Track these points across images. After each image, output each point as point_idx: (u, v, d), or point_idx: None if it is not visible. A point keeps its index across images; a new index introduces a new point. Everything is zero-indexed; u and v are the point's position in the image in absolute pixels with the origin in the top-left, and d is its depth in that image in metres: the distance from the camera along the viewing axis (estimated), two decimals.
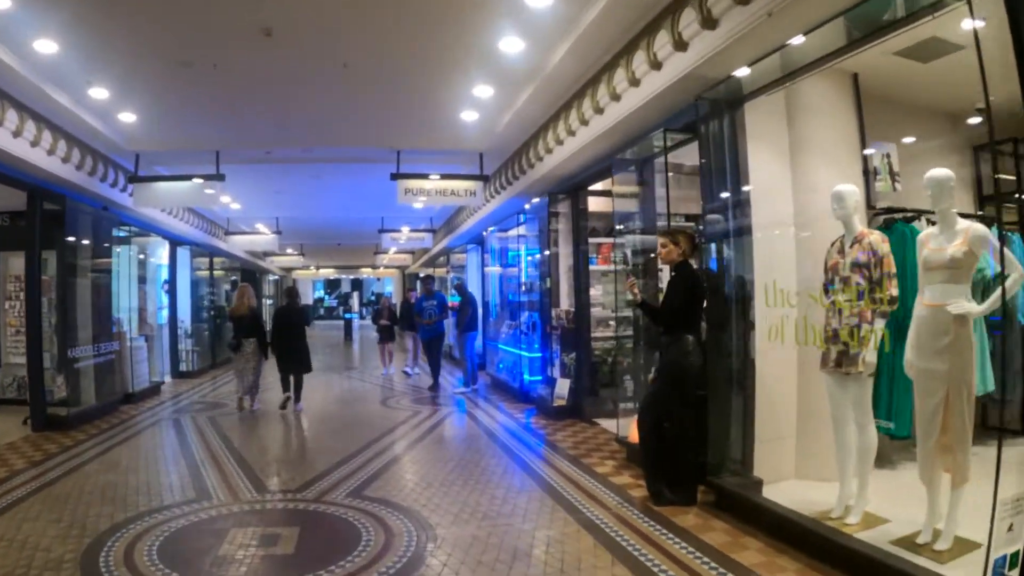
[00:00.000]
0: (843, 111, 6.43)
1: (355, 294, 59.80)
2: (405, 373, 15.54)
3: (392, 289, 54.22)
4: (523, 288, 13.20)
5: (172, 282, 16.81)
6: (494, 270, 16.22)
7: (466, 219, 16.29)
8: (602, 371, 10.45)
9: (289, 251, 27.04)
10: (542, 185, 10.80)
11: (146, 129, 9.73)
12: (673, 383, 6.00)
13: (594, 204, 10.80)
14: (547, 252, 11.66)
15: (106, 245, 11.98)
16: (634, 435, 7.61)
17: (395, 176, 10.71)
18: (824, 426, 5.28)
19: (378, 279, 57.88)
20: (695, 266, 6.37)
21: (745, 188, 6.19)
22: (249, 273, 27.90)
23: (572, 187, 10.52)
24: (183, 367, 16.89)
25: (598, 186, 10.36)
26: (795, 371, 6.13)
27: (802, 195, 6.29)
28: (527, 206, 12.02)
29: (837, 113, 6.42)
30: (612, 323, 11.18)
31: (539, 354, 12.06)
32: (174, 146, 10.41)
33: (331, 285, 59.22)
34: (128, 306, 13.67)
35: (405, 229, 18.82)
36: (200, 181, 10.67)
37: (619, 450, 8.08)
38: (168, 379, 16.01)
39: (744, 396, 6.08)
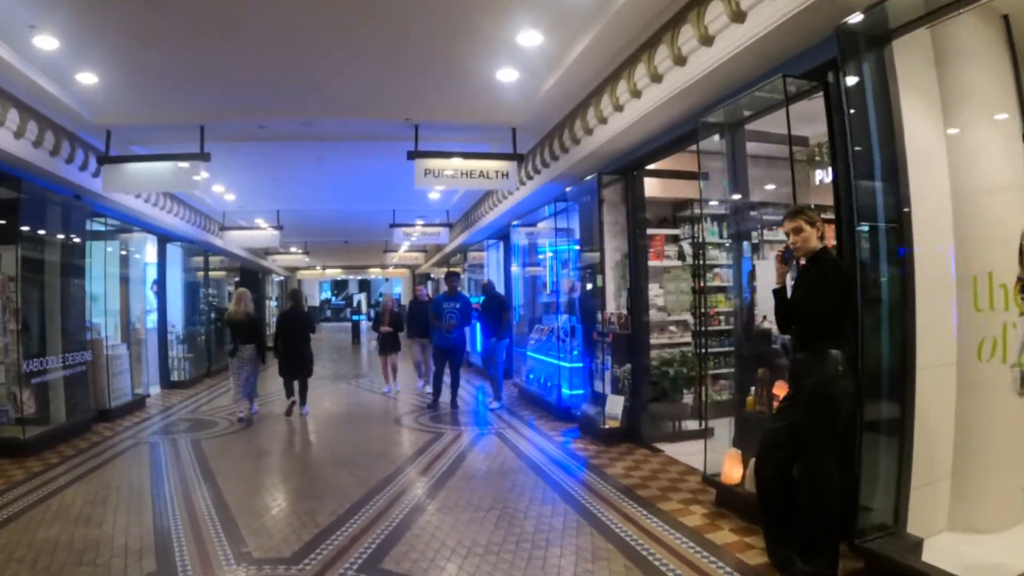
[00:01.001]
0: (998, 57, 4.85)
1: (363, 295, 58.51)
2: (420, 388, 13.35)
3: (401, 290, 52.72)
4: (562, 288, 11.57)
5: (161, 282, 15.19)
6: (525, 270, 14.57)
7: (489, 211, 14.62)
8: (662, 386, 8.78)
9: (293, 249, 25.41)
10: (589, 165, 9.15)
11: (113, 96, 8.09)
12: (817, 416, 4.31)
13: (647, 188, 9.19)
14: (591, 245, 10.00)
15: (78, 240, 10.38)
16: (730, 474, 5.97)
17: (413, 155, 9.06)
18: (985, 463, 4.45)
19: (387, 280, 56.47)
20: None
21: (900, 151, 4.57)
22: (251, 273, 26.29)
23: (626, 167, 8.85)
24: (174, 376, 15.28)
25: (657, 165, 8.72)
26: (953, 395, 4.63)
27: (960, 159, 4.70)
28: (568, 189, 10.26)
29: (993, 60, 4.84)
30: (673, 328, 9.53)
31: (580, 364, 10.43)
32: (150, 118, 8.76)
33: (338, 286, 57.91)
34: (107, 309, 12.07)
35: (419, 224, 17.15)
36: (185, 165, 9.02)
37: (701, 489, 6.45)
38: (156, 390, 14.44)
39: (900, 430, 4.53)
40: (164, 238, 15.01)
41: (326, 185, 14.04)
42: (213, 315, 19.97)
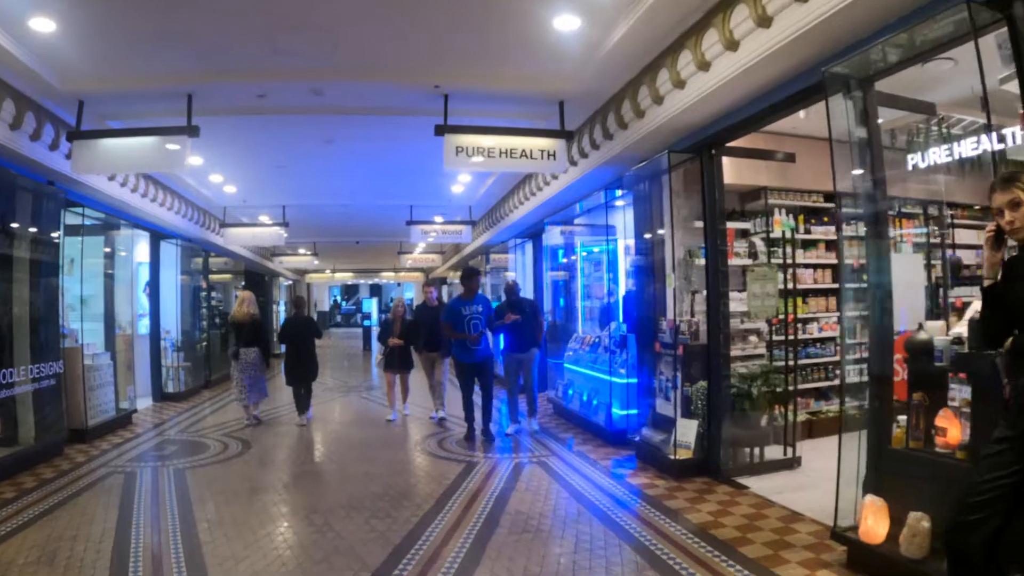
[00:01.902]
0: None
1: (374, 300, 57.17)
2: (434, 420, 10.69)
3: (413, 295, 51.24)
4: (610, 291, 10.14)
5: (154, 284, 13.79)
6: (559, 273, 13.11)
7: (519, 205, 13.15)
8: (743, 407, 7.29)
9: (301, 251, 24.00)
10: (653, 143, 7.72)
11: (79, 52, 6.67)
12: None
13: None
14: (650, 241, 8.57)
15: (53, 235, 9.01)
16: (873, 531, 4.52)
17: (443, 129, 7.60)
18: None
19: (398, 284, 55.08)
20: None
21: None
22: (256, 276, 24.96)
23: (701, 144, 7.37)
24: (169, 387, 13.86)
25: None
26: None
27: None
28: (631, 170, 8.73)
29: None
30: (753, 338, 8.06)
31: (633, 380, 8.95)
32: (126, 82, 7.32)
33: (348, 291, 56.63)
34: (88, 313, 10.71)
35: (438, 221, 15.68)
36: (174, 147, 7.58)
37: (819, 543, 5.07)
38: (148, 403, 13.04)
39: None
40: (157, 235, 13.61)
41: (336, 174, 12.59)
42: (217, 320, 18.69)
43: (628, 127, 7.87)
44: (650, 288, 8.61)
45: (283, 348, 11.92)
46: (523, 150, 7.77)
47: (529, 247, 15.22)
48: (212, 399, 14.26)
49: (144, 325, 13.87)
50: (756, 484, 6.78)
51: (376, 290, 57.17)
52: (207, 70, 7.10)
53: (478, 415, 9.39)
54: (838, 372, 9.00)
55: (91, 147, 7.69)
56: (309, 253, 23.44)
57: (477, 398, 9.36)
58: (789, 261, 8.19)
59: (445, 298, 18.47)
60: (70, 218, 10.17)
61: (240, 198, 14.26)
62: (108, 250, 11.56)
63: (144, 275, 13.89)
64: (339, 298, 56.39)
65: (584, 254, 12.37)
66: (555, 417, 11.04)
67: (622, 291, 10.48)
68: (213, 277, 19.64)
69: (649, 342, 8.42)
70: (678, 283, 8.15)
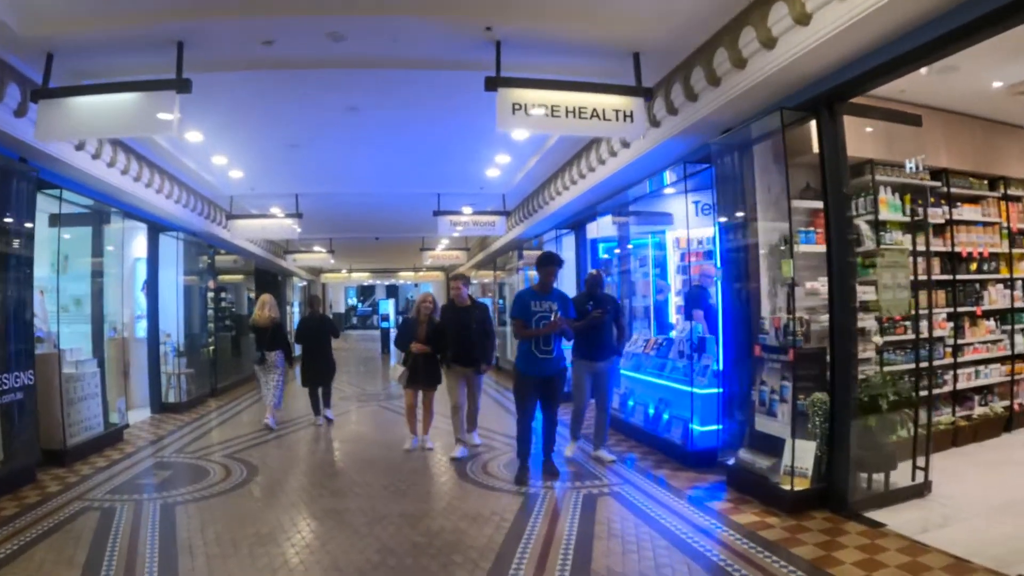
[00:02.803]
0: None
1: (390, 301, 55.79)
2: (456, 458, 8.14)
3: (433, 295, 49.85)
4: (682, 284, 8.77)
5: (152, 282, 12.43)
6: (612, 266, 11.61)
7: (563, 190, 11.71)
8: (871, 424, 5.85)
9: (316, 248, 22.62)
10: (757, 98, 6.38)
11: None
12: None
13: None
14: (743, 222, 7.13)
15: (26, 224, 7.67)
16: None
17: (496, 82, 6.15)
18: None
19: (416, 284, 53.62)
20: None
21: None
22: (268, 275, 23.59)
23: (816, 100, 5.93)
24: (170, 397, 12.49)
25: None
26: None
27: None
28: (720, 136, 7.26)
29: None
30: (877, 338, 6.61)
31: (718, 390, 7.55)
32: (103, 26, 5.92)
33: (364, 292, 55.28)
34: (68, 314, 9.40)
35: (467, 211, 14.22)
36: (166, 116, 6.16)
37: None
38: (145, 415, 11.74)
39: None
40: (156, 227, 12.25)
41: (358, 156, 11.16)
42: (228, 323, 17.35)
43: (721, 83, 6.44)
44: (743, 281, 7.17)
45: (296, 349, 11.63)
46: (594, 109, 6.32)
47: (570, 240, 13.76)
48: (219, 409, 12.92)
49: (143, 328, 12.54)
50: (891, 519, 5.41)
51: (392, 291, 55.83)
52: (198, 6, 5.68)
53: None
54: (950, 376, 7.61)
55: (59, 108, 6.29)
56: (325, 251, 22.03)
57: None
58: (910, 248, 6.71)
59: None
60: (55, 206, 8.89)
61: (248, 185, 12.86)
62: (101, 244, 10.16)
63: (142, 272, 12.58)
64: (355, 299, 55.08)
65: (644, 243, 10.89)
66: (612, 431, 9.57)
67: (684, 285, 9.03)
68: (224, 278, 18.32)
69: (741, 345, 6.99)
70: (769, 274, 6.79)
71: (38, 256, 8.20)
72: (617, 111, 6.40)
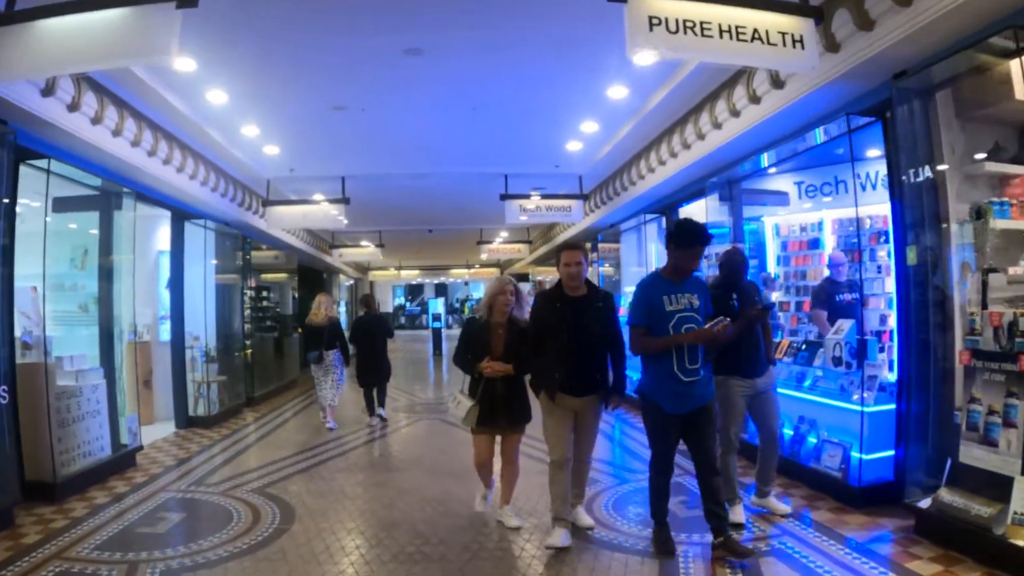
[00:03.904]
0: None
1: (439, 300, 54.41)
2: (555, 547, 5.17)
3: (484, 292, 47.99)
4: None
5: (177, 277, 10.95)
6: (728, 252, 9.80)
7: (662, 164, 9.96)
8: None
9: (364, 243, 21.10)
10: (968, 17, 4.57)
11: None
12: None
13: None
14: (913, 191, 5.44)
15: (5, 200, 6.22)
16: None
17: None
18: None
19: (466, 283, 52.12)
20: None
21: None
22: (312, 273, 22.21)
23: None
24: (197, 409, 11.01)
25: None
26: None
27: None
28: (898, 76, 5.48)
29: None
30: None
31: (888, 406, 6.03)
32: None
33: (412, 291, 54.02)
34: (65, 314, 8.01)
35: (535, 195, 12.50)
36: (158, 32, 4.56)
37: None
38: (167, 431, 10.31)
39: None
40: (180, 214, 10.76)
41: (417, 121, 9.47)
42: (269, 323, 15.95)
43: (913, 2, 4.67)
44: (925, 269, 5.46)
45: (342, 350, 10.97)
46: (755, 29, 4.57)
47: (653, 228, 11.98)
48: (255, 422, 11.42)
49: (168, 330, 11.11)
50: None
51: (441, 289, 54.54)
52: None
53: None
54: None
55: (23, 36, 4.74)
56: (373, 245, 20.49)
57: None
58: None
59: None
60: (62, 187, 7.47)
61: (286, 164, 11.31)
62: (111, 231, 8.66)
63: (167, 267, 11.15)
64: (403, 298, 53.82)
65: (755, 228, 9.11)
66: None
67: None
68: (267, 276, 16.92)
69: (927, 348, 5.26)
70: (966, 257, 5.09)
71: (33, 246, 6.83)
72: (783, 34, 4.66)
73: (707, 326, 4.79)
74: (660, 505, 5.11)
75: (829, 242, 8.52)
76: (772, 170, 8.75)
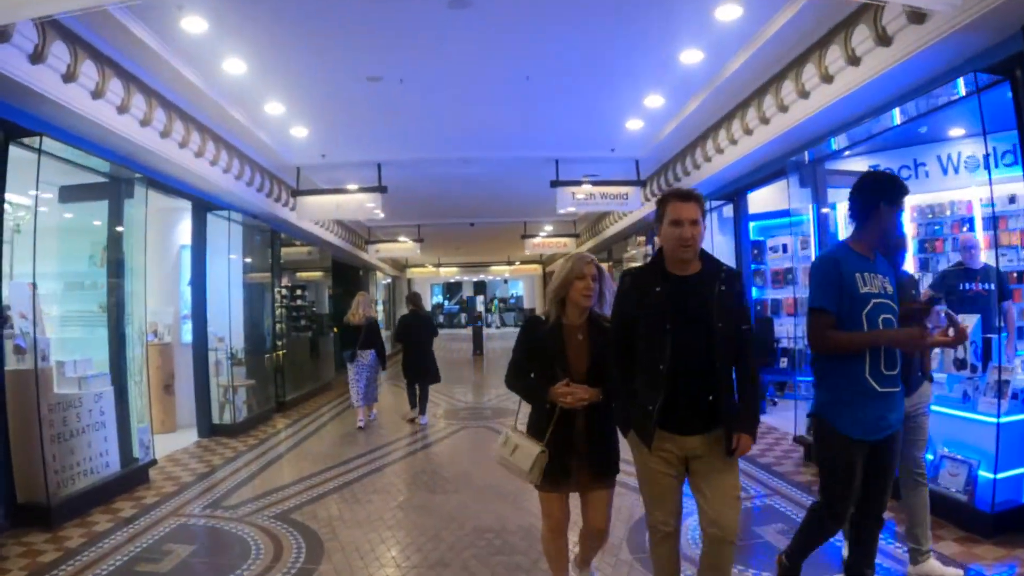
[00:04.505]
0: None
1: (479, 298, 53.61)
2: None
3: (522, 292, 47.01)
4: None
5: (199, 272, 10.16)
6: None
7: (731, 144, 8.92)
8: None
9: (401, 238, 20.24)
10: None
11: None
12: None
13: None
14: None
15: None
16: None
17: None
18: None
19: (505, 281, 51.13)
20: None
21: None
22: (347, 270, 21.44)
23: None
24: (223, 416, 10.21)
25: None
26: None
27: None
28: None
29: None
30: None
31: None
32: None
33: (450, 289, 53.24)
34: (70, 314, 7.27)
35: (585, 182, 11.47)
36: None
37: None
38: (191, 441, 9.61)
39: None
40: (201, 204, 9.96)
41: (462, 94, 8.58)
42: (303, 322, 15.19)
43: None
44: None
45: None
46: None
47: (715, 217, 10.92)
48: (285, 430, 10.64)
49: (190, 331, 10.34)
50: None
51: (480, 287, 53.70)
52: None
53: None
54: None
55: None
56: (411, 239, 19.61)
57: None
58: None
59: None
60: (70, 175, 6.74)
61: (316, 149, 10.44)
62: (120, 221, 7.86)
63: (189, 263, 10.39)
64: (441, 296, 53.12)
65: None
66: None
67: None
68: (301, 275, 16.17)
69: None
70: None
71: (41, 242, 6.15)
72: None
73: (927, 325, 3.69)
74: (804, 551, 3.84)
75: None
76: (847, 153, 7.76)
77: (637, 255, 15.73)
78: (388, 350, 11.06)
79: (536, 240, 19.46)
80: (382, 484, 7.28)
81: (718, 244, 11.00)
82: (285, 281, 14.43)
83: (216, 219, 10.34)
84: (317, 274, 17.72)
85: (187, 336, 10.41)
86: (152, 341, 10.14)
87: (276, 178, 11.55)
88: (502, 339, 33.34)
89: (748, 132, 8.46)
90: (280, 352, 13.07)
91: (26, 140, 5.97)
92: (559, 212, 12.17)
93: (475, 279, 50.10)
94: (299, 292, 15.50)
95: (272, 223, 12.26)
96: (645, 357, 3.40)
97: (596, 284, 3.76)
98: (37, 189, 5.96)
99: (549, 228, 20.20)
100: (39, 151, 5.95)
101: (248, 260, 11.46)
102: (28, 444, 5.86)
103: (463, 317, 47.90)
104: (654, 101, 8.70)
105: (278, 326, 13.22)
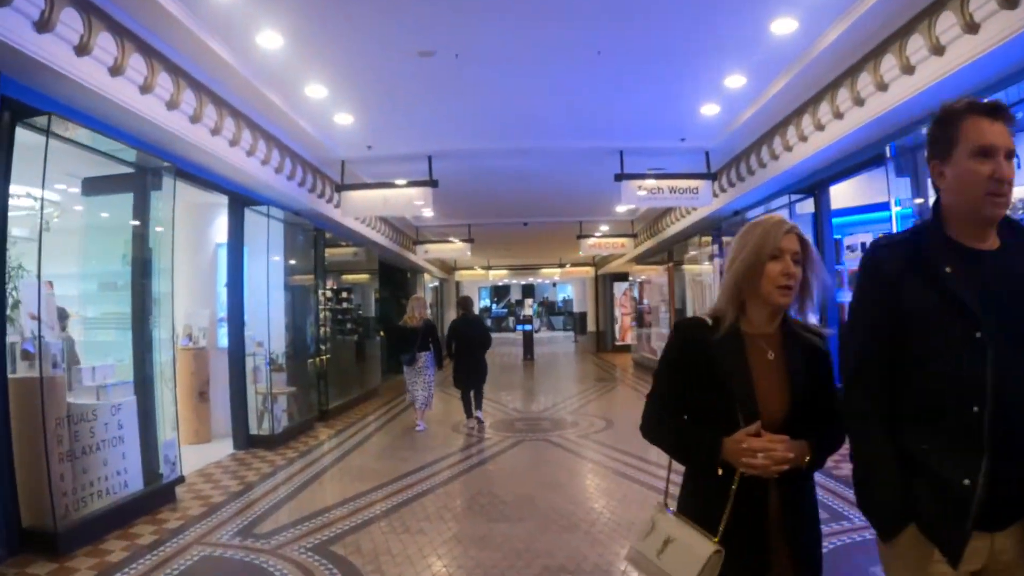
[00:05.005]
0: None
1: (527, 301, 52.90)
2: None
3: (571, 294, 45.77)
4: None
5: (235, 272, 9.52)
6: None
7: (820, 127, 7.97)
8: None
9: (451, 239, 19.49)
10: None
11: None
12: None
13: None
14: None
15: None
16: None
17: None
18: None
19: (553, 284, 50.24)
20: None
21: None
22: (395, 272, 20.85)
23: None
24: (260, 427, 9.57)
25: None
26: None
27: None
28: None
29: None
30: None
31: None
32: None
33: (498, 292, 52.64)
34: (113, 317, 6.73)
35: (651, 179, 10.56)
36: None
37: None
38: (226, 454, 8.98)
39: None
40: (238, 199, 9.32)
41: (522, 79, 7.76)
42: (350, 325, 14.57)
43: None
44: None
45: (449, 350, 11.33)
46: None
47: (786, 215, 9.97)
48: (329, 441, 9.97)
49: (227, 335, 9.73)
50: None
51: (528, 291, 53.01)
52: None
53: None
54: None
55: None
56: (461, 240, 18.86)
57: None
58: None
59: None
60: (94, 165, 6.16)
61: (362, 138, 9.73)
62: (146, 214, 7.21)
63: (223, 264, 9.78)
64: (489, 300, 52.56)
65: None
66: None
67: None
68: (347, 277, 15.54)
69: None
70: None
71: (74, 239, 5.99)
72: None
73: None
74: None
75: None
76: None
77: (701, 256, 14.71)
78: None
79: (591, 241, 18.60)
80: (435, 509, 6.50)
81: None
82: (331, 283, 13.81)
83: (255, 215, 9.69)
84: (364, 277, 17.09)
85: (224, 340, 9.79)
86: (186, 345, 9.58)
87: (319, 172, 10.89)
88: (550, 344, 32.56)
89: (838, 116, 7.52)
90: (324, 357, 12.43)
91: (36, 122, 5.34)
92: (619, 210, 11.33)
93: (523, 282, 49.39)
94: (344, 295, 14.89)
95: (315, 220, 11.60)
96: (933, 388, 2.00)
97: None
98: (44, 175, 5.28)
99: (605, 228, 19.32)
100: (47, 132, 5.29)
101: (290, 260, 10.83)
102: (35, 461, 5.22)
103: (510, 320, 47.27)
104: (735, 81, 7.79)
105: (322, 330, 12.58)
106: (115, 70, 5.64)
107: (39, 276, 5.46)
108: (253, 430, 9.48)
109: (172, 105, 6.53)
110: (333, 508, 6.50)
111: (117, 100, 5.77)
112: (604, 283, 29.31)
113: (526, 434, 10.20)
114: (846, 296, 10.15)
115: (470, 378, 10.92)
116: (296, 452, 9.12)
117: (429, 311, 12.62)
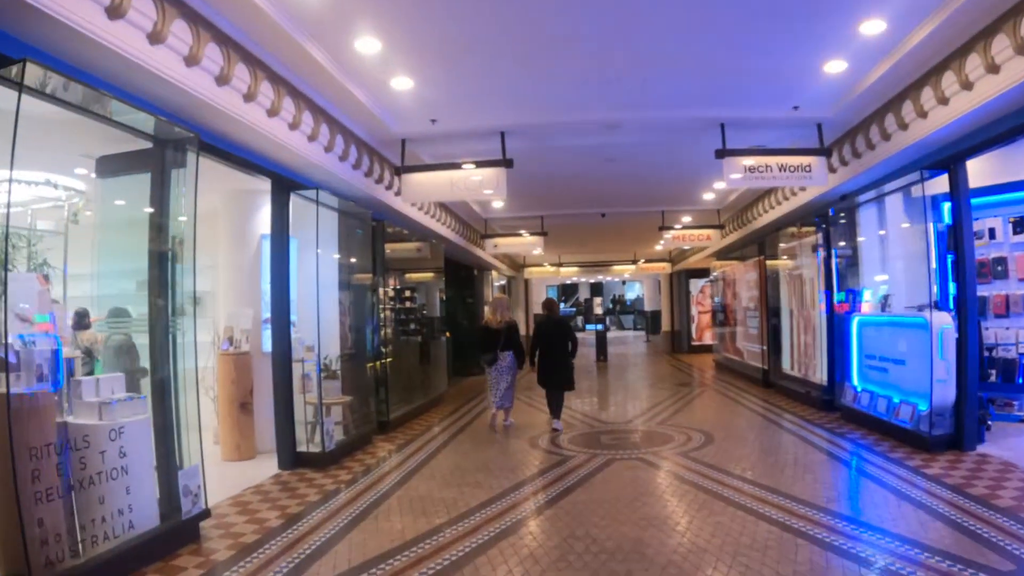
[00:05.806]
0: None
1: (596, 300, 51.57)
2: None
3: (642, 294, 43.81)
4: None
5: (280, 266, 8.40)
6: None
7: (960, 90, 6.42)
8: None
9: (521, 232, 18.13)
10: None
11: None
12: None
13: None
14: None
15: None
16: None
17: None
18: None
19: (623, 282, 48.68)
20: None
21: None
22: (461, 270, 19.66)
23: None
24: (309, 444, 8.44)
25: None
26: None
27: None
28: None
29: None
30: None
31: None
32: None
33: (566, 291, 51.27)
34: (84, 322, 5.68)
35: (754, 157, 9.09)
36: None
37: None
38: (270, 474, 7.90)
39: None
40: (283, 182, 8.20)
41: (611, 33, 6.47)
42: (413, 326, 13.45)
43: None
44: None
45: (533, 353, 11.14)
46: None
47: (899, 197, 8.47)
48: (389, 459, 8.76)
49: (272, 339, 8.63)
50: None
51: (597, 289, 51.62)
52: None
53: None
54: None
55: None
56: (532, 233, 17.50)
57: None
58: None
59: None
60: (109, 141, 5.20)
61: (425, 110, 8.48)
62: (166, 195, 6.10)
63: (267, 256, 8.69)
64: (558, 298, 51.34)
65: None
66: None
67: None
68: (411, 276, 14.36)
69: None
70: None
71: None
72: None
73: None
74: None
75: None
76: None
77: (800, 248, 13.03)
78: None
79: (673, 233, 17.08)
80: (519, 556, 5.17)
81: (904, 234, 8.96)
82: (393, 282, 12.69)
83: (302, 201, 8.56)
84: (428, 275, 15.90)
85: (269, 344, 8.71)
86: (226, 350, 8.53)
87: (376, 153, 9.71)
88: (622, 344, 31.12)
89: (993, 69, 5.98)
90: (385, 361, 11.30)
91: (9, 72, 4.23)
92: (706, 198, 9.90)
93: (592, 280, 48.01)
94: (408, 293, 13.77)
95: (372, 209, 10.42)
96: None
97: None
98: (15, 138, 4.14)
99: (687, 219, 17.81)
100: (20, 84, 4.16)
101: (346, 253, 9.70)
102: (8, 503, 4.12)
103: (579, 320, 46.04)
104: (872, 27, 6.24)
105: (383, 331, 11.46)
106: (114, 10, 4.50)
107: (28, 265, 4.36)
108: (301, 447, 8.36)
109: (192, 60, 5.39)
110: (391, 555, 5.26)
111: (120, 49, 4.65)
112: (680, 280, 27.69)
113: (614, 451, 8.82)
114: (989, 290, 8.77)
115: (551, 379, 10.78)
116: (350, 474, 7.95)
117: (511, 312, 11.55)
